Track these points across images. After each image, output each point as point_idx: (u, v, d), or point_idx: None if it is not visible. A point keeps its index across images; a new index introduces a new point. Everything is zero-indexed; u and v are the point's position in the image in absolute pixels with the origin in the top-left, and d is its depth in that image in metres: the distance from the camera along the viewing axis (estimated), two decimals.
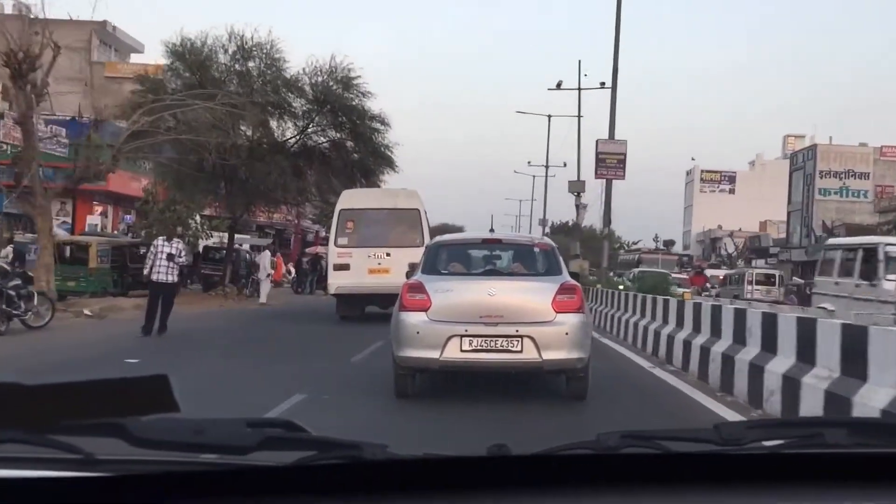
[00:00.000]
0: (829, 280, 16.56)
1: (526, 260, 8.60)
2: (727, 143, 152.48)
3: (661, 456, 1.44)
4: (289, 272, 39.04)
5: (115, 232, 34.17)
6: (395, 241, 17.51)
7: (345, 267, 17.52)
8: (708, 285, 33.16)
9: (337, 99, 26.68)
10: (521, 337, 7.40)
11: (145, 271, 13.92)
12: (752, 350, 8.15)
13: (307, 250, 43.52)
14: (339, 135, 28.14)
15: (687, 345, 10.41)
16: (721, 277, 39.94)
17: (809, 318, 7.39)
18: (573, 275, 8.56)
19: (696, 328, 10.29)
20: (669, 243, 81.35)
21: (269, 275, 26.02)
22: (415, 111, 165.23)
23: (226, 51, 26.49)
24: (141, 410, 1.20)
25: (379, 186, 31.64)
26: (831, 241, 21.74)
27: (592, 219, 52.66)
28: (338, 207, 18.60)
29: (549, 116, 45.49)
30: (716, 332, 9.45)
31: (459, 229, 48.52)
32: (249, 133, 26.88)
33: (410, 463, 1.37)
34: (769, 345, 7.71)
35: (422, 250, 17.28)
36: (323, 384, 8.72)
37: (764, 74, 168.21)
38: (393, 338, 7.83)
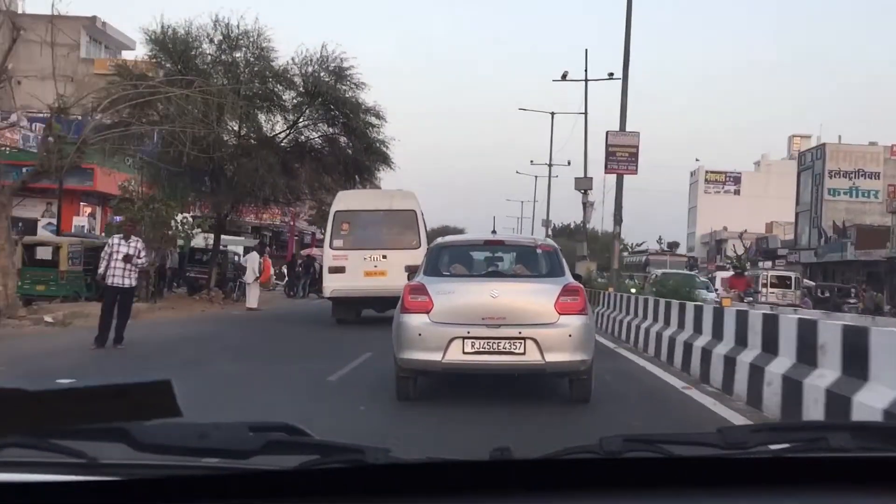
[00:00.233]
0: None
1: (528, 261, 8.55)
2: (732, 143, 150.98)
3: (664, 460, 1.44)
4: (283, 275, 37.83)
5: (102, 234, 32.77)
6: (391, 243, 17.28)
7: (340, 269, 17.23)
8: (751, 289, 28.65)
9: (329, 90, 25.25)
10: (523, 339, 7.32)
11: (100, 270, 12.24)
12: (825, 373, 6.47)
13: (302, 252, 42.29)
14: (331, 129, 26.81)
15: (730, 361, 8.72)
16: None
17: None
18: (576, 276, 8.51)
19: (741, 341, 8.60)
20: (673, 245, 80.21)
21: (256, 278, 24.63)
22: (414, 112, 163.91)
23: (211, 40, 25.00)
24: (143, 415, 1.21)
25: (374, 183, 30.57)
26: None
27: (595, 220, 51.44)
28: (333, 209, 18.27)
29: (553, 114, 44.91)
30: (769, 347, 7.77)
31: (460, 231, 47.53)
32: (236, 128, 25.51)
33: (413, 467, 1.39)
34: (854, 367, 6.03)
35: (418, 252, 17.06)
36: (284, 416, 7.00)
37: (769, 74, 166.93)
38: (394, 340, 7.74)
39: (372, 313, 18.11)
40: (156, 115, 22.31)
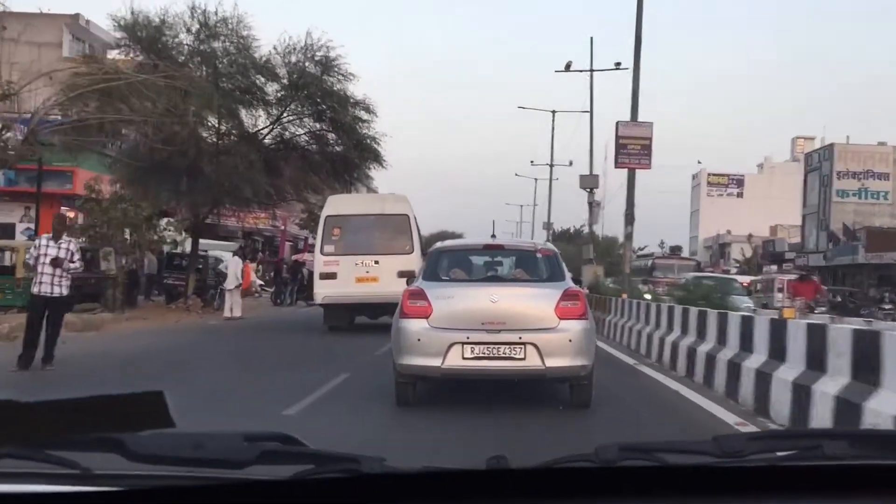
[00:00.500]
0: None
1: (528, 266, 8.47)
2: (733, 145, 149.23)
3: (660, 468, 1.43)
4: (272, 282, 36.07)
5: (83, 239, 31.06)
6: (383, 248, 16.96)
7: (331, 275, 16.86)
8: (819, 296, 25.03)
9: (314, 82, 23.41)
10: (523, 344, 7.29)
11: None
12: None
13: (293, 257, 40.57)
14: (318, 125, 24.95)
15: (799, 389, 6.80)
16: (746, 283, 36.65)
17: None
18: (576, 280, 8.47)
19: (817, 365, 6.68)
20: (676, 249, 78.61)
21: (238, 284, 22.81)
22: (412, 115, 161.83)
23: (188, 29, 23.15)
24: (137, 426, 1.23)
25: (365, 183, 28.89)
26: None
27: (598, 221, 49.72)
28: (323, 213, 17.95)
29: (554, 112, 44.11)
30: (865, 376, 5.85)
31: (459, 236, 46.05)
32: (216, 123, 23.68)
33: (409, 476, 1.38)
34: None
35: (411, 258, 16.00)
36: None
37: (772, 76, 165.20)
38: (393, 345, 7.74)
39: (365, 320, 17.54)
40: (128, 111, 20.59)
